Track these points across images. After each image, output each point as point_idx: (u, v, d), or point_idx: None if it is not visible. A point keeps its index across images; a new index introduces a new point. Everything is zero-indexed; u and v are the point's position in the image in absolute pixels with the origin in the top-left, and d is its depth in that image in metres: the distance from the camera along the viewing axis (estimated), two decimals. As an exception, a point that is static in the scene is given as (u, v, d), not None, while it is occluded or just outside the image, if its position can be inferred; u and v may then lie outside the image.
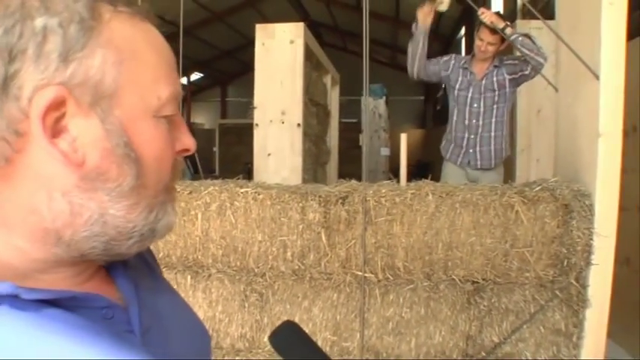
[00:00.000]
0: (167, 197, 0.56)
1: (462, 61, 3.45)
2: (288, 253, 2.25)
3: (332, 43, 17.17)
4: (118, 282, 0.58)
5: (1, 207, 0.48)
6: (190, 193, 2.32)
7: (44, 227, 0.49)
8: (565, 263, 2.14)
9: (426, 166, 13.77)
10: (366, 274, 2.20)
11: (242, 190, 2.27)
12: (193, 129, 17.42)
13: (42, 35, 0.45)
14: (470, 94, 3.38)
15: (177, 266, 2.38)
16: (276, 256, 2.27)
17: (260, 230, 2.26)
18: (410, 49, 3.33)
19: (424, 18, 3.19)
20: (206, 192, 2.30)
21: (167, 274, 2.41)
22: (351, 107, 10.51)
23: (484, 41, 3.23)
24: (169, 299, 0.67)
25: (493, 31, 3.12)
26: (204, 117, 20.48)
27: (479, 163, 3.44)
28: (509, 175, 4.02)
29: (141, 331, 0.55)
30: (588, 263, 2.13)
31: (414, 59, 3.33)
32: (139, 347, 0.52)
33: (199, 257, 2.34)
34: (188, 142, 0.58)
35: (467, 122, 3.41)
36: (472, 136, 3.43)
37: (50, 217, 0.48)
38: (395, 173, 3.62)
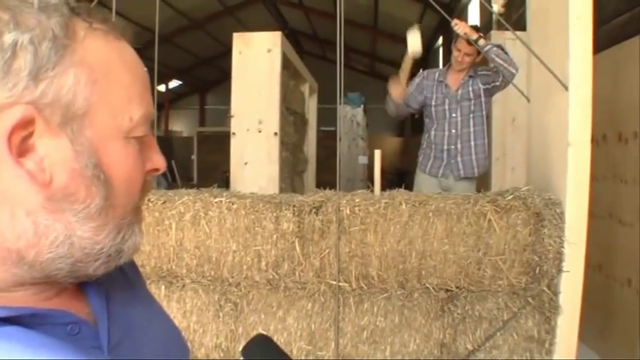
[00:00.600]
0: (135, 218, 0.55)
1: (436, 75, 3.49)
2: (263, 263, 2.25)
3: (311, 51, 17.23)
4: (89, 296, 0.57)
5: None
6: (164, 202, 2.30)
7: (6, 247, 0.47)
8: (537, 271, 2.17)
9: (404, 175, 13.87)
10: (340, 284, 2.20)
11: (216, 200, 2.26)
12: (171, 137, 17.34)
13: (11, 51, 0.44)
14: (447, 107, 3.42)
15: (151, 276, 2.36)
16: (250, 265, 2.26)
17: (234, 240, 2.25)
18: (387, 105, 3.45)
19: (396, 97, 3.37)
20: (180, 202, 2.28)
21: (140, 285, 2.37)
22: (330, 115, 10.54)
23: (461, 52, 3.28)
24: (146, 312, 0.66)
25: (470, 42, 3.17)
26: (182, 125, 20.36)
27: (462, 172, 3.47)
28: (484, 183, 4.06)
29: (109, 346, 0.53)
30: (559, 270, 2.16)
31: (392, 112, 3.48)
32: None
33: (173, 267, 2.32)
34: (158, 162, 0.57)
35: (447, 133, 3.44)
36: (452, 147, 3.45)
37: (13, 237, 0.47)
38: (373, 181, 3.64)
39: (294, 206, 2.20)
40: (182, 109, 20.81)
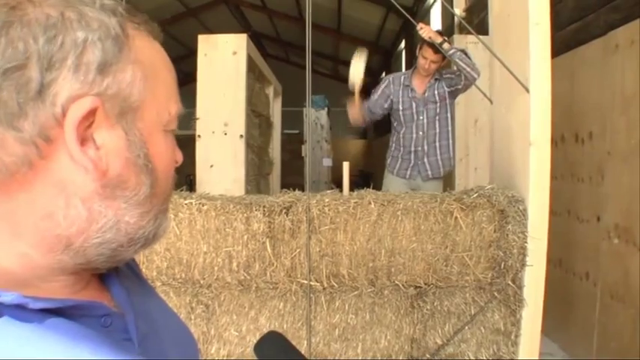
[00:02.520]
0: (168, 205, 0.59)
1: (401, 79, 3.53)
2: (234, 264, 2.24)
3: (274, 54, 17.17)
4: (113, 289, 0.58)
5: (14, 212, 0.48)
6: None
7: (57, 234, 0.49)
8: (502, 266, 2.22)
9: (367, 176, 13.98)
10: (311, 283, 2.21)
11: (186, 202, 2.24)
12: None
13: (82, 47, 0.46)
14: (414, 109, 3.48)
15: (119, 280, 2.31)
16: (221, 267, 2.25)
17: (205, 241, 2.23)
18: (351, 118, 3.53)
19: (356, 120, 3.48)
20: None
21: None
22: (293, 118, 10.55)
23: (427, 59, 3.34)
24: (158, 305, 0.67)
25: (436, 50, 3.23)
26: None
27: (429, 173, 3.54)
28: (448, 183, 4.14)
29: (138, 338, 0.55)
30: (523, 265, 2.21)
31: (357, 124, 3.57)
32: (137, 355, 0.52)
33: (143, 270, 2.25)
34: (178, 155, 0.60)
35: (414, 135, 3.50)
36: (419, 149, 3.52)
37: (66, 224, 0.48)
38: (337, 184, 3.67)
39: (264, 207, 2.20)
40: (144, 113, 20.42)
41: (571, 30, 3.81)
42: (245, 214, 2.21)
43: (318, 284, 2.24)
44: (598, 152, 3.25)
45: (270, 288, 2.27)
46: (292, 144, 9.01)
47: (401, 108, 3.50)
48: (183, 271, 2.28)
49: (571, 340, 3.52)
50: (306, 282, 2.22)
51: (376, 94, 3.56)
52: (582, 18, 3.74)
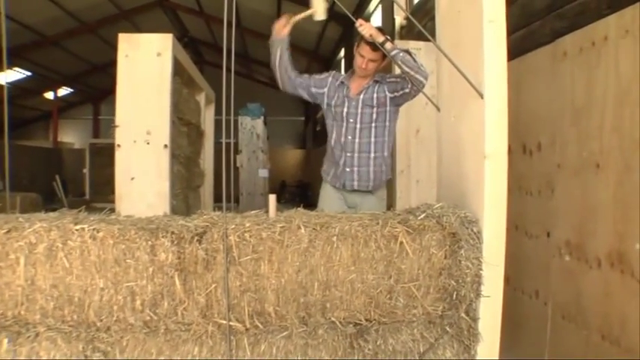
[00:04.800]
0: None
1: (341, 77, 3.27)
2: (137, 302, 1.96)
3: (212, 61, 17.00)
4: None
5: None
6: (9, 232, 1.90)
7: None
8: (454, 296, 2.07)
9: (306, 186, 14.00)
10: (231, 323, 1.97)
11: (77, 227, 1.91)
12: (61, 148, 16.52)
13: None
14: (346, 110, 3.18)
15: (-8, 325, 1.95)
16: (122, 305, 1.97)
17: (101, 275, 1.94)
18: (271, 62, 3.17)
19: (279, 30, 3.11)
20: (30, 230, 1.90)
21: (-22, 337, 1.96)
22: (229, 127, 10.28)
23: (365, 58, 3.02)
24: None
25: (374, 47, 2.94)
26: (73, 136, 19.91)
27: (355, 183, 3.22)
28: (389, 197, 3.94)
29: None
30: (478, 295, 2.08)
31: (275, 71, 3.18)
32: None
33: (22, 313, 1.95)
34: None
35: (343, 139, 3.19)
36: (349, 154, 3.21)
37: None
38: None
39: (172, 233, 1.92)
40: (73, 119, 20.22)
41: (516, 37, 3.78)
42: (149, 242, 1.92)
43: (240, 325, 1.99)
44: (547, 164, 3.16)
45: (182, 330, 2.00)
46: (227, 154, 8.76)
47: (333, 104, 3.22)
48: (75, 312, 1.97)
49: (521, 362, 3.39)
50: (224, 322, 1.96)
51: (313, 75, 3.28)
52: (527, 25, 3.74)
